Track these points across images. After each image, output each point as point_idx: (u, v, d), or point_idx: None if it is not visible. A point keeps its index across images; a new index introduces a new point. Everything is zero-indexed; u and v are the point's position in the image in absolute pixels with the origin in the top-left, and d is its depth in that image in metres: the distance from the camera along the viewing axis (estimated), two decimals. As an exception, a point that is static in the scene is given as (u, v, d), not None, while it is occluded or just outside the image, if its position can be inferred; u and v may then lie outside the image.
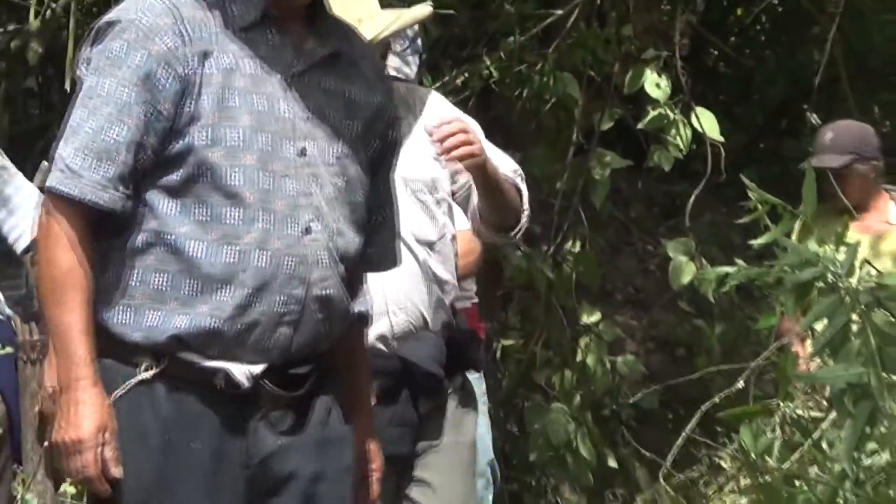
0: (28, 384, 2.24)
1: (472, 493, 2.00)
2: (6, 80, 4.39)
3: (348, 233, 1.33)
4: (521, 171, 2.02)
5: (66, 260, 1.22)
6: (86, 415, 1.19)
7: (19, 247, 2.17)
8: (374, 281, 1.51)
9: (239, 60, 1.27)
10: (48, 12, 3.62)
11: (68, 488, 2.24)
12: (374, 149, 1.39)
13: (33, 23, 3.60)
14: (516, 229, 1.96)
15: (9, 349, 2.16)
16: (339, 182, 1.31)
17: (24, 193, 2.18)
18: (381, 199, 1.42)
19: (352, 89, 1.36)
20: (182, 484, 1.25)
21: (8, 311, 2.21)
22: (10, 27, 4.00)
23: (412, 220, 1.80)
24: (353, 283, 1.37)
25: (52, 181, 1.24)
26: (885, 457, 1.34)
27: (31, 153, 3.47)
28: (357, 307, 1.39)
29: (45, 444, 1.84)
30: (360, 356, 1.47)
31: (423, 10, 1.91)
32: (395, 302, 1.81)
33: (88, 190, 1.22)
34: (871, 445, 1.25)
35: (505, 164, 1.96)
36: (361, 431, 1.40)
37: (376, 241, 1.42)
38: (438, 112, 1.94)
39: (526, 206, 1.97)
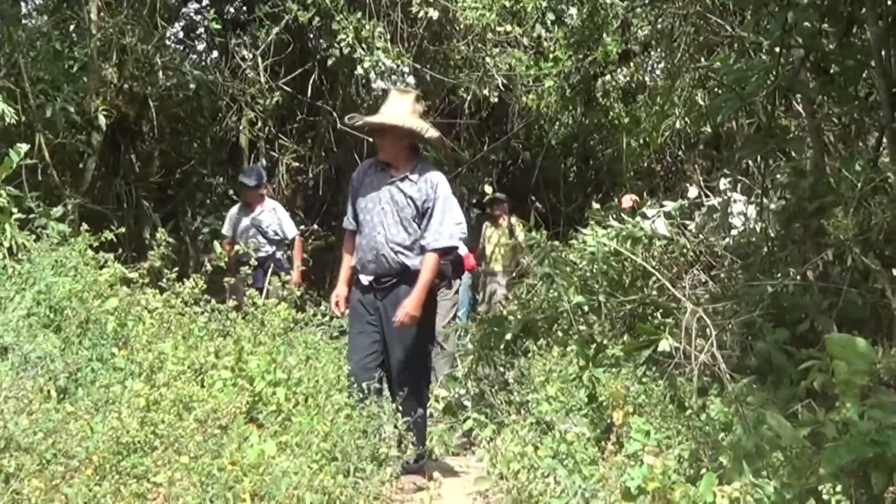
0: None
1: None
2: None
3: (398, 234, 4.24)
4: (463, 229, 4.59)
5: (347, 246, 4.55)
6: (336, 290, 4.48)
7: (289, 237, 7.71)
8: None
9: (371, 180, 4.37)
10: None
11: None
12: (419, 206, 4.23)
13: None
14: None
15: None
16: (395, 218, 4.24)
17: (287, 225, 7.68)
18: (428, 221, 4.26)
19: (409, 189, 4.26)
20: (355, 308, 4.41)
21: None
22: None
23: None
24: (411, 248, 4.25)
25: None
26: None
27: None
28: (425, 243, 4.22)
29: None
30: (424, 265, 4.22)
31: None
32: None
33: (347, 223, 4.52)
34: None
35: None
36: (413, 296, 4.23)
37: (424, 236, 4.24)
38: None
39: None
